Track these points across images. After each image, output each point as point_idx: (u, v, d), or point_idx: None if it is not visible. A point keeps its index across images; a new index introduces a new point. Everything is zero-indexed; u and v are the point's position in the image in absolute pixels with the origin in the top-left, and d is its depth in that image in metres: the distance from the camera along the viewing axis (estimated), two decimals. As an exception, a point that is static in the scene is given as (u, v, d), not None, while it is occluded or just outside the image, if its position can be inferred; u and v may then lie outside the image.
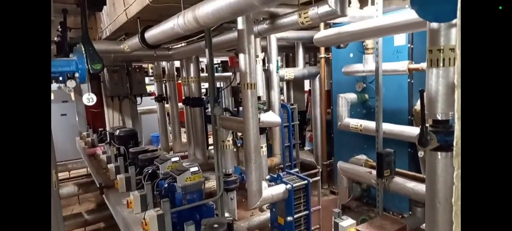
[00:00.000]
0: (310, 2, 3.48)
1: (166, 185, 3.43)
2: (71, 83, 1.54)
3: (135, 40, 4.12)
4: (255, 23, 3.64)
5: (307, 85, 7.83)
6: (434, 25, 1.86)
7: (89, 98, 3.81)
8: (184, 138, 7.68)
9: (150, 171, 3.72)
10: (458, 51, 0.85)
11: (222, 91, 8.05)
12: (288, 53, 7.46)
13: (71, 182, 6.29)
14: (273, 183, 3.41)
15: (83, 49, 1.27)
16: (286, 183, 3.31)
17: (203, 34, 3.76)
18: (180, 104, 7.45)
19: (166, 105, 7.70)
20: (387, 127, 3.83)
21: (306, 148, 6.98)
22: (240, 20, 3.18)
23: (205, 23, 2.79)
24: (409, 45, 4.15)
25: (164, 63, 7.52)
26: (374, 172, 3.69)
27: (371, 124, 3.98)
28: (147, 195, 3.33)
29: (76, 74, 1.23)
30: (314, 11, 2.92)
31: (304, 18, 3.00)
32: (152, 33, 3.69)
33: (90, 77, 5.88)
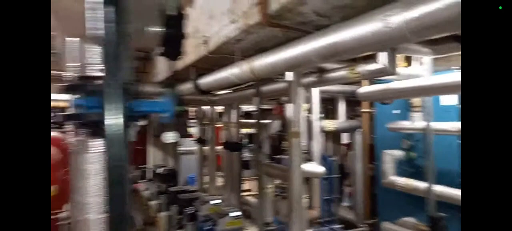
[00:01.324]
0: (355, 59, 3.61)
1: (207, 228, 3.45)
2: (142, 122, 1.70)
3: (189, 86, 4.45)
4: (303, 75, 3.80)
5: (343, 138, 7.73)
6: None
7: (172, 137, 4.07)
8: (218, 182, 7.72)
9: (192, 212, 3.78)
10: None
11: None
12: (326, 105, 7.53)
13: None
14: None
15: (172, 92, 1.47)
16: (330, 239, 3.18)
17: (249, 83, 3.98)
18: (217, 148, 7.63)
19: (204, 148, 7.91)
20: (439, 188, 3.62)
21: (344, 203, 6.67)
22: (291, 72, 3.36)
23: (259, 75, 2.99)
24: (459, 105, 4.05)
25: (205, 107, 7.87)
26: (425, 237, 3.43)
27: (421, 184, 3.79)
28: (188, 236, 3.36)
29: (165, 115, 1.41)
30: (365, 68, 3.02)
31: (354, 74, 3.11)
32: (206, 80, 3.97)
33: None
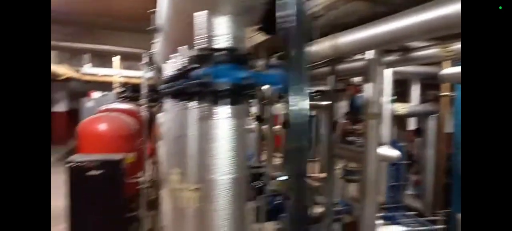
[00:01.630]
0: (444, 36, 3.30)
1: (278, 202, 3.55)
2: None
3: (259, 64, 4.51)
4: (383, 53, 3.60)
5: (410, 123, 7.27)
6: None
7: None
8: (276, 161, 7.85)
9: (260, 186, 3.91)
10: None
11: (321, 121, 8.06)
12: (395, 87, 7.09)
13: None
14: (390, 221, 3.21)
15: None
16: (407, 225, 3.08)
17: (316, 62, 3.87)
18: (276, 127, 7.70)
19: (262, 126, 8.04)
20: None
21: (408, 191, 6.36)
22: (371, 50, 3.21)
23: (340, 52, 2.90)
24: None
25: (264, 87, 7.94)
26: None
27: None
28: (260, 207, 3.49)
29: (278, 87, 1.48)
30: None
31: (448, 52, 2.86)
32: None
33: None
